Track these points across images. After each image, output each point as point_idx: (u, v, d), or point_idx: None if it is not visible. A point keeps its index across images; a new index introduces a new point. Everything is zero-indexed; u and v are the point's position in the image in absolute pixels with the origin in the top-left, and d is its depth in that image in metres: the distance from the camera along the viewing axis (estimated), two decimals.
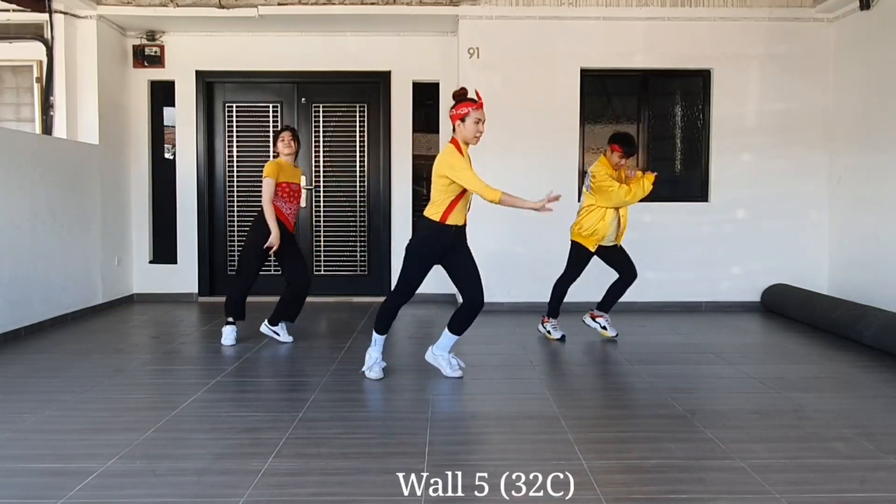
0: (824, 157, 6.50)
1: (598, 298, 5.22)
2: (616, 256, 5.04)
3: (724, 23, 6.41)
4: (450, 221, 3.82)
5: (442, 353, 4.10)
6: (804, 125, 6.50)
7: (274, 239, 4.75)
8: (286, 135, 4.91)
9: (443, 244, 3.85)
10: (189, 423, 3.25)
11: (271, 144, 5.43)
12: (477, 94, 3.89)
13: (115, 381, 3.99)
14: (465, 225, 3.93)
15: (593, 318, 5.24)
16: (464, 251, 3.94)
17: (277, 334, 5.04)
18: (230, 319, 5.00)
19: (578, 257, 5.01)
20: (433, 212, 3.83)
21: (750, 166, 6.54)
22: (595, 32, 6.40)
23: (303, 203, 7.08)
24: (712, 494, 2.48)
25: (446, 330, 4.06)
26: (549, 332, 5.16)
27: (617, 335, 5.17)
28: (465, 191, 3.81)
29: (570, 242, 5.07)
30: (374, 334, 4.05)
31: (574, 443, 2.98)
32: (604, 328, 5.19)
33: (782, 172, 6.52)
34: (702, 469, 2.71)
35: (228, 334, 4.95)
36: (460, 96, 3.86)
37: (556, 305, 5.13)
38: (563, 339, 5.12)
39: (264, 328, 5.07)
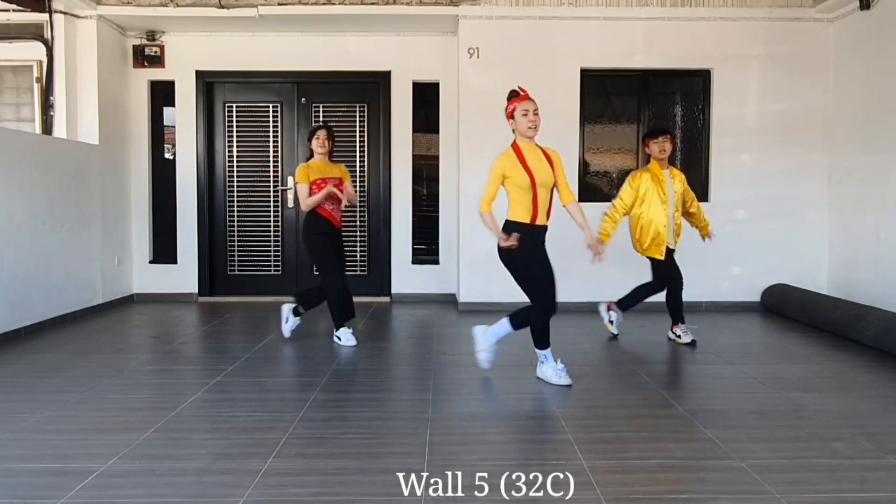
0: (824, 157, 6.50)
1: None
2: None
3: (724, 23, 6.42)
4: (538, 222, 3.81)
5: (491, 341, 4.14)
6: (804, 125, 6.50)
7: (321, 194, 4.76)
8: (321, 133, 4.87)
9: (533, 243, 3.82)
10: (189, 423, 3.25)
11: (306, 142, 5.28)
12: (520, 89, 3.88)
13: (115, 381, 3.99)
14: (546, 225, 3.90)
15: (608, 309, 5.27)
16: (544, 253, 3.93)
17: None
18: (343, 324, 4.96)
19: (656, 268, 4.99)
20: (520, 214, 3.80)
21: (750, 166, 6.54)
22: (595, 32, 6.41)
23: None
24: (712, 494, 2.48)
25: (506, 321, 4.06)
26: (678, 336, 5.08)
27: (616, 336, 5.20)
28: (534, 186, 3.76)
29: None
30: (540, 352, 4.01)
31: (574, 443, 2.98)
32: (610, 321, 5.26)
33: (782, 172, 6.52)
34: (702, 469, 2.71)
35: (347, 336, 4.93)
36: (508, 98, 3.90)
37: (674, 312, 5.09)
38: (693, 343, 5.04)
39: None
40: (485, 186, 3.81)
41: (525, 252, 3.77)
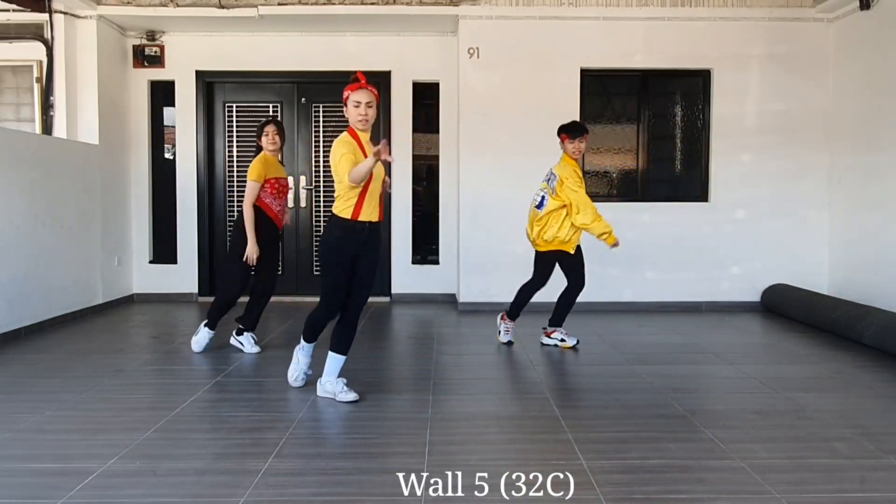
0: (824, 157, 6.50)
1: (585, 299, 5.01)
2: (571, 259, 4.78)
3: (724, 23, 6.41)
4: (362, 217, 3.47)
5: (330, 379, 3.63)
6: (804, 125, 6.49)
7: (251, 252, 4.42)
8: (270, 129, 4.61)
9: (355, 242, 3.51)
10: (189, 423, 3.25)
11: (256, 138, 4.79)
12: (358, 75, 3.49)
13: (115, 381, 3.99)
14: (378, 222, 3.59)
15: (548, 336, 4.92)
16: (373, 254, 3.64)
17: (242, 345, 4.71)
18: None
19: (548, 265, 4.75)
20: (341, 208, 3.47)
21: (750, 166, 6.54)
22: (595, 32, 6.40)
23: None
24: (712, 494, 2.48)
25: (331, 353, 3.63)
26: (501, 332, 4.97)
27: (578, 342, 4.89)
28: (370, 181, 3.46)
29: (539, 253, 4.78)
30: (304, 343, 3.76)
31: (574, 443, 2.98)
32: (562, 340, 4.87)
33: (782, 172, 6.52)
34: (702, 469, 2.71)
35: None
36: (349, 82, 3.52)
37: (516, 309, 4.90)
38: (510, 343, 4.94)
39: (232, 339, 4.77)
40: (342, 175, 3.38)
41: (339, 251, 3.50)
